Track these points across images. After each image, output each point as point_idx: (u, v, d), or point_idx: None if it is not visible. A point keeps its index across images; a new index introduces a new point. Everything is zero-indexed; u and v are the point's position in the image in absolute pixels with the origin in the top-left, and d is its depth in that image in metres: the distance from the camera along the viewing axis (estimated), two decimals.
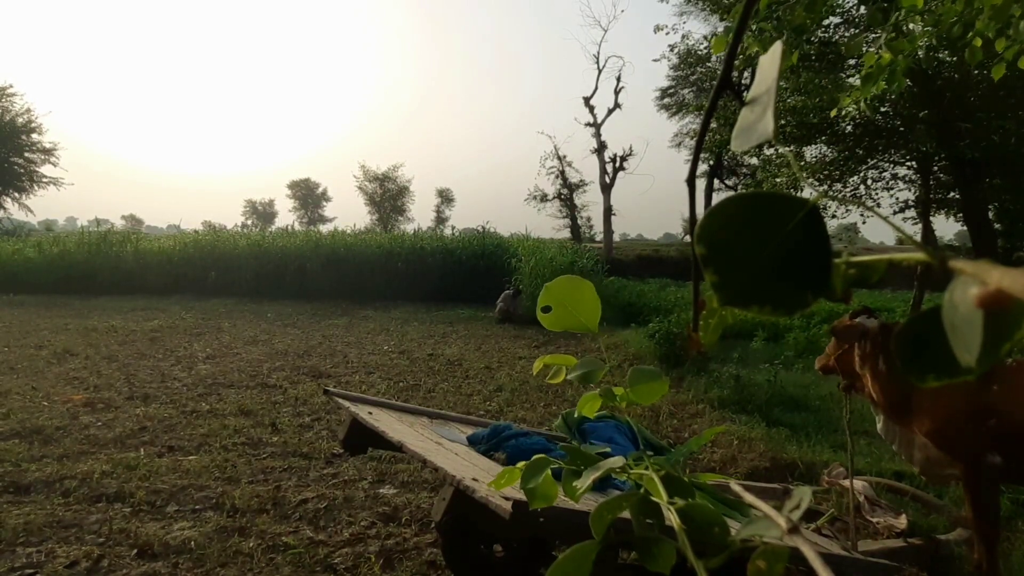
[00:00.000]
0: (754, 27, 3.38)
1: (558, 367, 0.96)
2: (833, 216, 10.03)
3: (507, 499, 1.87)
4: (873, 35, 4.91)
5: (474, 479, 2.13)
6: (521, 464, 0.89)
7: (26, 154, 27.35)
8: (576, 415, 3.04)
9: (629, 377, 0.88)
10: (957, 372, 0.31)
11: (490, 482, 1.06)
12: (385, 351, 8.56)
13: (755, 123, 0.42)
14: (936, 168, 9.10)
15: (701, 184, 27.19)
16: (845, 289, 0.41)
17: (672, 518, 0.64)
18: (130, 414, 5.16)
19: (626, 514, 0.69)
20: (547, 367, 1.00)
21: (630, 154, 29.49)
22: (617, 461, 0.80)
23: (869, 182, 9.63)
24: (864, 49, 3.48)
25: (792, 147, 8.70)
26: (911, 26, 3.17)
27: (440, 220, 47.61)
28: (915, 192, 9.80)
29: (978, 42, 2.92)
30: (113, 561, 2.90)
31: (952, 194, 9.20)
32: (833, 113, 4.01)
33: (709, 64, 14.79)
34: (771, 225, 0.36)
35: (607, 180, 29.08)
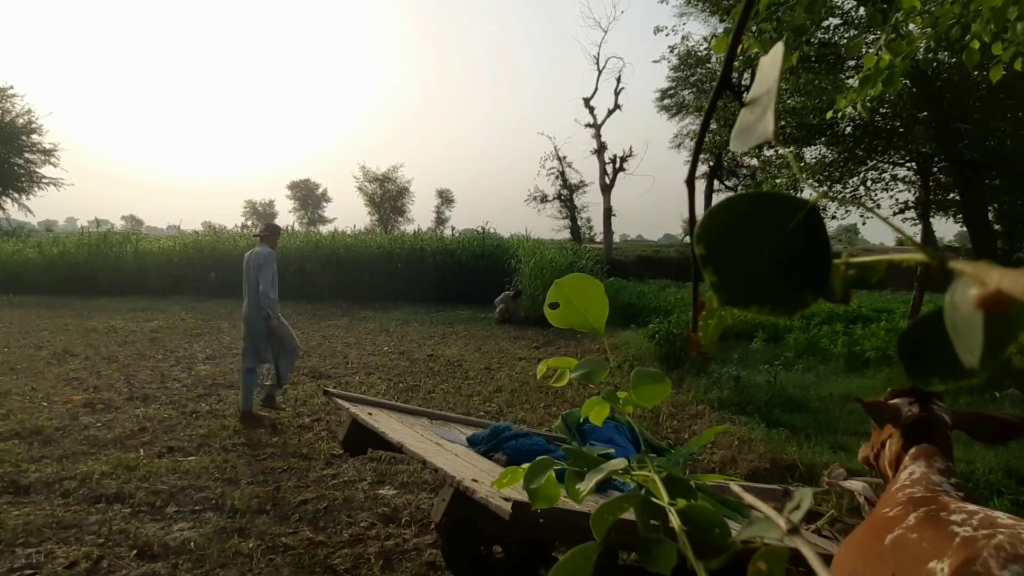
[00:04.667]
0: (754, 28, 3.39)
1: (561, 370, 0.96)
2: (833, 217, 10.03)
3: (507, 500, 1.87)
4: (873, 36, 4.91)
5: (474, 480, 2.13)
6: (525, 465, 0.88)
7: (26, 155, 27.32)
8: (581, 419, 3.04)
9: (633, 379, 0.88)
10: (962, 375, 0.31)
11: (493, 482, 1.06)
12: (385, 352, 8.56)
13: (755, 124, 0.42)
14: (936, 169, 9.10)
15: (701, 185, 27.21)
16: (844, 290, 0.41)
17: (673, 519, 0.64)
18: (130, 415, 5.16)
19: (626, 515, 0.69)
20: (550, 370, 1.00)
21: (630, 155, 29.45)
22: (620, 463, 0.80)
23: (869, 183, 9.63)
24: (864, 50, 3.48)
25: (792, 148, 8.70)
26: (910, 27, 3.17)
27: (440, 221, 47.57)
28: (915, 193, 9.80)
29: (975, 44, 2.92)
30: (113, 562, 2.90)
31: (952, 195, 9.20)
32: (829, 115, 4.01)
33: (709, 65, 14.79)
34: (771, 225, 0.36)
35: (607, 181, 29.06)
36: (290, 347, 5.42)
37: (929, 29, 3.04)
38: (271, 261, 5.37)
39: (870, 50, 3.33)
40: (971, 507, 1.34)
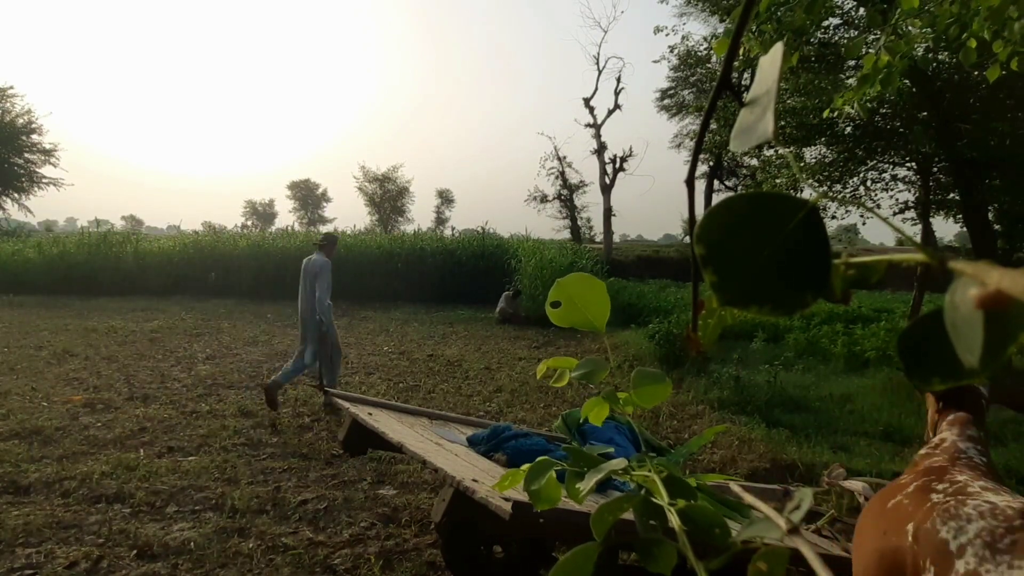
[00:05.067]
0: (754, 28, 3.38)
1: (561, 370, 0.96)
2: (833, 217, 10.04)
3: (507, 499, 1.87)
4: (873, 36, 4.91)
5: (474, 480, 2.13)
6: (525, 467, 0.88)
7: (26, 155, 27.32)
8: (581, 420, 3.04)
9: (633, 379, 0.88)
10: (962, 375, 0.31)
11: (494, 484, 1.06)
12: (385, 352, 8.56)
13: (755, 124, 0.42)
14: (936, 169, 9.10)
15: (701, 185, 27.20)
16: (845, 290, 0.41)
17: (673, 519, 0.64)
18: (130, 415, 5.15)
19: (627, 515, 0.69)
20: (550, 370, 0.99)
21: (630, 155, 29.44)
22: (620, 463, 0.80)
23: (869, 183, 9.63)
24: (864, 51, 3.48)
25: (792, 148, 8.69)
26: (908, 27, 3.17)
27: (440, 221, 47.56)
28: (915, 193, 9.80)
29: (973, 43, 2.92)
30: (113, 562, 2.90)
31: (952, 195, 9.19)
32: (826, 114, 4.01)
33: (709, 65, 14.79)
34: (771, 225, 0.36)
35: (607, 181, 29.05)
36: (336, 351, 5.83)
37: (928, 29, 3.04)
38: (327, 270, 5.83)
39: (870, 51, 3.33)
40: (960, 477, 1.51)
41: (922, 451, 1.76)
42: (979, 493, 1.40)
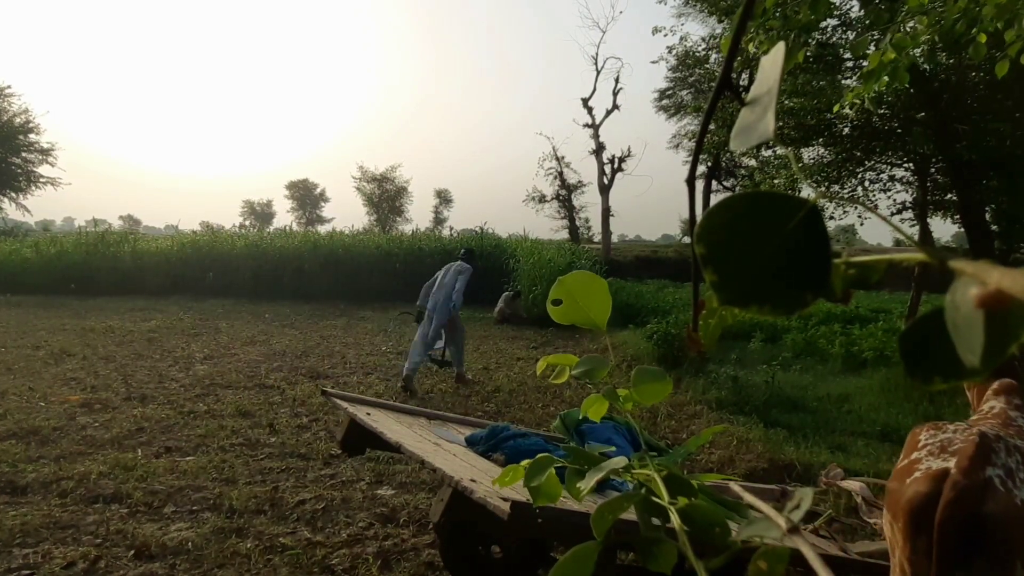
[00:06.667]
0: (758, 26, 3.37)
1: (561, 367, 0.96)
2: (831, 218, 10.04)
3: (505, 500, 1.87)
4: (875, 36, 4.91)
5: (472, 480, 2.13)
6: (525, 462, 0.88)
7: (23, 154, 27.25)
8: (580, 416, 3.04)
9: (634, 377, 0.88)
10: (964, 374, 0.31)
11: (494, 480, 1.06)
12: (383, 352, 8.55)
13: (755, 123, 0.42)
14: (933, 170, 9.11)
15: (699, 185, 27.22)
16: (844, 290, 0.41)
17: (673, 518, 0.64)
18: (127, 415, 5.14)
19: (626, 515, 0.69)
20: (549, 367, 1.00)
21: (628, 155, 29.51)
22: (620, 461, 0.80)
23: (867, 184, 9.64)
24: (870, 48, 3.47)
25: (790, 148, 8.69)
26: (912, 24, 3.16)
27: (438, 221, 47.50)
28: (912, 194, 9.81)
29: (983, 37, 2.89)
30: (110, 562, 2.90)
31: (949, 196, 9.21)
32: (836, 109, 3.99)
33: (707, 66, 14.82)
34: (771, 225, 0.36)
35: (605, 181, 29.09)
36: (460, 340, 6.72)
37: (933, 25, 3.02)
38: (470, 273, 6.69)
39: (874, 48, 3.32)
40: (982, 428, 1.75)
41: (974, 416, 1.98)
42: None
